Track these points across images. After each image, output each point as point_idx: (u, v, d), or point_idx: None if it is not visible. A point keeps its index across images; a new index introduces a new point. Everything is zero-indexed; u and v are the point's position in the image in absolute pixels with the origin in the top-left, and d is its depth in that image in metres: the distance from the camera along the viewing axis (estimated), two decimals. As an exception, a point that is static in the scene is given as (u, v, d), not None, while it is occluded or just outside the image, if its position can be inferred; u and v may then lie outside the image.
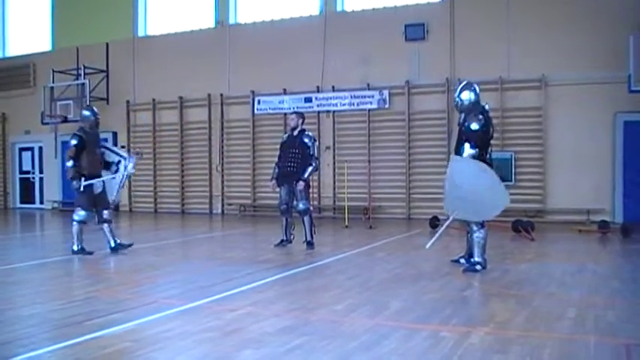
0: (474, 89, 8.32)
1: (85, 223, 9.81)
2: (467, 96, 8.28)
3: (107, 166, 10.05)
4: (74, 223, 9.75)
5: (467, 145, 8.06)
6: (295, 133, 10.52)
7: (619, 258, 10.17)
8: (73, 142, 9.67)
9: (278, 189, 10.64)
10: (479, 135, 8.05)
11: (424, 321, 5.43)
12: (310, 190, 10.93)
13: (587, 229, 13.27)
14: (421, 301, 6.27)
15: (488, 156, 8.22)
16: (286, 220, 10.69)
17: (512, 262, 8.90)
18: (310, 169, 10.36)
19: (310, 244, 10.48)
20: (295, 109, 17.77)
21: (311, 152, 10.37)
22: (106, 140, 20.73)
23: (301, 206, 10.42)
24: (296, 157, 10.36)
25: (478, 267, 8.04)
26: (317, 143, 10.71)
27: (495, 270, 8.15)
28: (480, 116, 8.08)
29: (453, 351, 4.52)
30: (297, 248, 10.49)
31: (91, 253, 9.73)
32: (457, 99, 8.38)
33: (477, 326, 5.22)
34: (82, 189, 9.62)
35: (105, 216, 9.87)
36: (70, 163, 9.61)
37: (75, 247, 9.74)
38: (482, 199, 7.88)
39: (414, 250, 10.46)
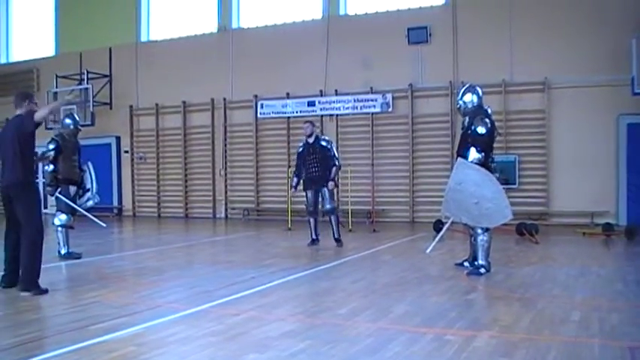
0: (477, 92, 8.32)
1: (71, 227, 9.86)
2: (470, 98, 8.29)
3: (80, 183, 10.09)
4: (58, 228, 9.80)
5: (473, 150, 8.04)
6: (311, 140, 11.19)
7: (623, 260, 10.15)
8: (51, 146, 9.71)
9: (304, 193, 11.40)
10: (485, 139, 8.05)
11: (428, 324, 5.42)
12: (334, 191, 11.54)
13: (591, 232, 13.23)
14: (425, 305, 6.26)
15: (491, 159, 8.22)
16: (315, 220, 11.41)
17: (516, 265, 8.89)
18: (335, 169, 11.09)
19: (339, 241, 11.22)
20: (298, 114, 17.95)
21: (332, 154, 11.08)
22: (109, 145, 20.82)
23: (328, 206, 11.16)
24: (318, 162, 11.08)
25: (482, 270, 8.02)
26: (335, 144, 11.47)
27: (499, 273, 8.14)
28: (487, 120, 8.07)
29: (458, 355, 4.51)
30: (301, 252, 10.50)
31: (79, 257, 9.76)
32: (460, 102, 8.39)
33: (481, 330, 5.21)
34: (56, 195, 9.75)
35: (62, 221, 9.86)
36: (50, 168, 9.67)
37: (63, 251, 9.79)
38: (480, 207, 7.87)
39: (418, 253, 10.45)
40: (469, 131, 8.16)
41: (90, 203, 10.05)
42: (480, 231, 8.07)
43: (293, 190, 11.50)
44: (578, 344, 4.79)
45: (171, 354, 4.65)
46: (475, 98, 8.29)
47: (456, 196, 8.08)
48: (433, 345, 4.77)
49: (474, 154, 8.04)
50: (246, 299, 6.63)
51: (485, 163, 8.06)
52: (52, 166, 9.67)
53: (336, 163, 11.14)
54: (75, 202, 9.85)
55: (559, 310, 5.98)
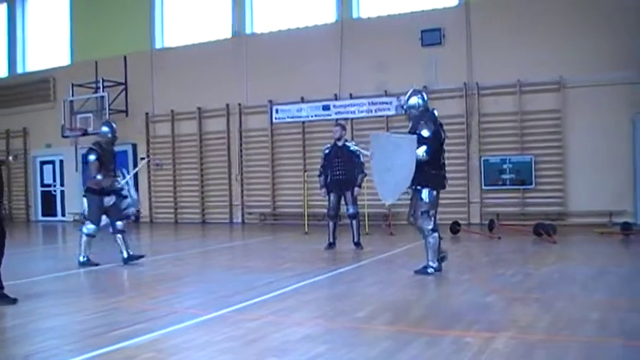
0: (422, 96, 8.39)
1: (93, 236, 9.92)
2: (415, 101, 8.29)
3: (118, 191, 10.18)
4: (83, 235, 9.88)
5: (421, 148, 7.98)
6: (340, 143, 11.25)
7: (643, 260, 10.07)
8: (92, 157, 9.78)
9: (326, 196, 11.41)
10: (431, 140, 8.03)
11: (447, 327, 5.41)
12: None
13: (609, 232, 13.15)
14: (443, 307, 6.25)
15: (442, 161, 8.26)
16: (335, 224, 11.41)
17: (534, 266, 8.85)
18: (362, 176, 11.14)
19: (359, 245, 11.27)
20: (313, 118, 18.01)
21: (360, 161, 11.06)
22: (125, 152, 20.94)
23: (352, 210, 11.24)
24: (343, 166, 11.13)
25: (430, 270, 8.10)
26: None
27: (517, 274, 8.11)
28: (430, 123, 8.09)
29: (477, 357, 4.49)
30: (318, 255, 10.51)
31: (97, 265, 9.81)
32: (405, 106, 8.41)
33: (500, 331, 5.18)
34: (88, 203, 9.85)
35: (118, 227, 9.95)
36: (99, 176, 9.74)
37: (81, 259, 9.84)
38: (391, 171, 7.88)
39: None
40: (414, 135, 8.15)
41: (131, 210, 10.14)
42: (426, 233, 8.14)
43: (323, 190, 11.39)
44: (597, 344, 4.76)
45: (189, 359, 4.67)
46: (420, 101, 8.29)
47: (383, 153, 8.09)
48: (452, 347, 4.75)
49: (420, 151, 7.95)
50: (264, 304, 6.64)
51: (434, 164, 8.11)
52: (100, 175, 9.76)
53: (364, 170, 11.15)
54: (115, 206, 9.96)
55: (578, 311, 5.94)
